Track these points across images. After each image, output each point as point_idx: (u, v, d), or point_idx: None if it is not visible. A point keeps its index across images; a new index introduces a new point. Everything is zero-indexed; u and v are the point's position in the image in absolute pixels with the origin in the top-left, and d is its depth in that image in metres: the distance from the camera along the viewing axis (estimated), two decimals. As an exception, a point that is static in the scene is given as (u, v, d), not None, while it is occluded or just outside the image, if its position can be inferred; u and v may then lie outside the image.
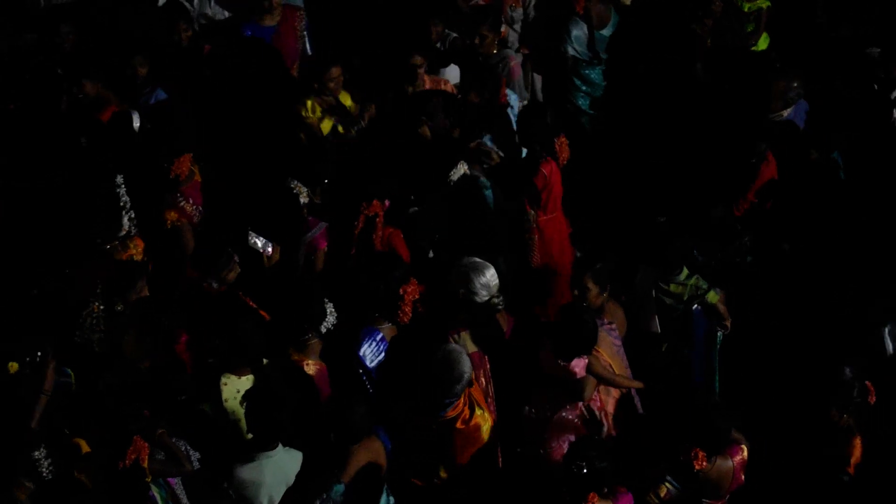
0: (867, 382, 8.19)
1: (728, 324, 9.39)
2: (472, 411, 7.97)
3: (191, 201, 9.71)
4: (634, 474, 8.08)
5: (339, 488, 7.74)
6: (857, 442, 8.19)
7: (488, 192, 10.14)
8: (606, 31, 12.08)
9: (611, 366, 8.65)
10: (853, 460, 8.16)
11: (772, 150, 10.49)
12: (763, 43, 12.15)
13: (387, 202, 9.60)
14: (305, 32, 11.66)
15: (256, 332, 8.17)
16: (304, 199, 9.72)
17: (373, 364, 8.48)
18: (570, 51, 11.97)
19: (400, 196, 10.07)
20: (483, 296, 8.59)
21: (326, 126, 10.58)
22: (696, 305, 9.34)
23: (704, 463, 7.83)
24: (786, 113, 10.99)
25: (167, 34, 11.32)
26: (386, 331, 8.59)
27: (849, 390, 8.17)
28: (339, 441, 7.83)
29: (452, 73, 11.55)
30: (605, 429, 8.54)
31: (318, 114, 10.51)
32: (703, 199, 10.35)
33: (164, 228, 9.62)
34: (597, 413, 8.55)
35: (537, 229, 10.09)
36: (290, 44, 11.54)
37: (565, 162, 10.00)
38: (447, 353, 7.90)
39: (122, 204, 9.69)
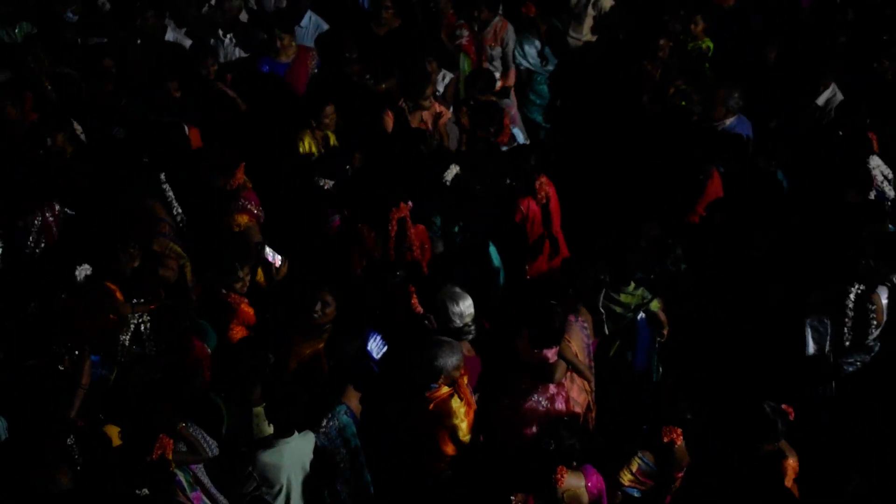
0: (783, 406, 8.23)
1: (665, 332, 9.80)
2: (450, 399, 8.46)
3: (253, 203, 10.17)
4: (603, 454, 8.49)
5: (342, 407, 8.46)
6: (790, 463, 8.24)
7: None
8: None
9: (577, 356, 9.05)
10: (789, 480, 8.24)
11: (717, 165, 10.92)
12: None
13: (410, 203, 10.08)
14: (316, 70, 12.53)
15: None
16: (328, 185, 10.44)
17: (379, 356, 8.94)
18: (524, 63, 12.75)
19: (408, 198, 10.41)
20: (456, 323, 9.04)
21: None
22: (641, 314, 9.76)
23: (680, 440, 8.25)
24: (728, 121, 11.53)
25: (196, 67, 12.13)
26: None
27: (773, 426, 8.22)
28: (335, 383, 8.51)
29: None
30: (570, 411, 8.87)
31: (314, 150, 11.06)
32: (644, 217, 10.68)
33: (231, 231, 9.98)
34: (562, 398, 8.89)
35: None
36: (301, 79, 12.40)
37: (544, 200, 10.41)
38: (440, 343, 8.49)
39: (168, 199, 10.31)
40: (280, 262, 9.78)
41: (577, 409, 8.97)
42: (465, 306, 9.03)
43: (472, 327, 9.09)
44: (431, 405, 8.46)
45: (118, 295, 9.08)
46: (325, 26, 13.18)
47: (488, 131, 11.07)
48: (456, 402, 8.48)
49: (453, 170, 10.66)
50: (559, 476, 8.00)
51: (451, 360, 8.39)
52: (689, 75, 12.29)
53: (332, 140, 11.30)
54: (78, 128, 11.09)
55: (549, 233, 10.59)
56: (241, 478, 8.28)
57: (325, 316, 9.09)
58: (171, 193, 10.38)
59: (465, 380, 8.63)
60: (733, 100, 11.55)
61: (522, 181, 10.41)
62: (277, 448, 8.22)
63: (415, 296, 9.17)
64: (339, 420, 8.50)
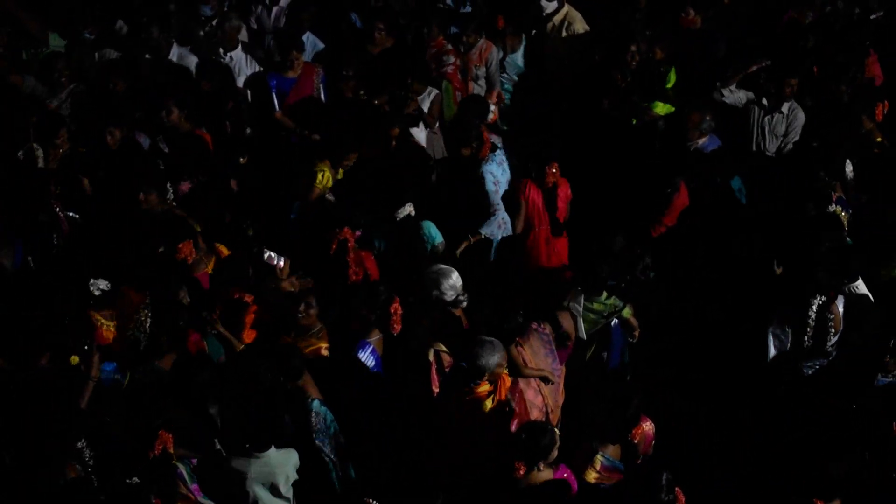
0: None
1: (637, 334, 10.14)
2: (485, 397, 8.68)
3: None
4: (571, 451, 8.60)
5: (315, 402, 8.61)
6: None
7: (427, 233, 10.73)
8: (518, 57, 13.45)
9: (529, 362, 9.22)
10: None
11: (685, 179, 11.14)
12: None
13: (357, 232, 10.26)
14: (321, 85, 12.76)
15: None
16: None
17: (374, 367, 9.23)
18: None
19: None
20: (451, 295, 9.44)
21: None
22: (614, 320, 10.07)
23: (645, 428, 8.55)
24: (701, 141, 11.69)
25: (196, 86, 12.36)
26: (376, 342, 9.28)
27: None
28: (288, 381, 8.57)
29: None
30: (517, 411, 8.98)
31: (329, 184, 11.08)
32: (612, 229, 10.74)
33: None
34: (514, 397, 9.03)
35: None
36: (307, 93, 12.66)
37: (549, 185, 10.72)
38: (488, 342, 8.67)
39: (169, 199, 10.71)
40: (282, 263, 9.82)
41: (535, 411, 9.14)
42: (455, 278, 9.44)
43: (465, 295, 9.48)
44: (467, 397, 8.71)
45: (132, 295, 9.36)
46: (321, 45, 13.42)
47: (471, 147, 11.15)
48: (488, 405, 8.73)
49: (407, 208, 10.82)
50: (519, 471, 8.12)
51: (493, 359, 8.61)
52: (645, 93, 12.49)
53: (340, 175, 11.38)
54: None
55: (552, 218, 10.88)
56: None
57: (309, 317, 9.29)
58: (171, 194, 10.85)
59: (508, 381, 8.88)
60: (706, 123, 11.77)
61: (534, 165, 10.83)
62: (247, 459, 8.26)
63: (397, 315, 9.31)
64: (321, 413, 8.67)
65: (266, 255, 9.74)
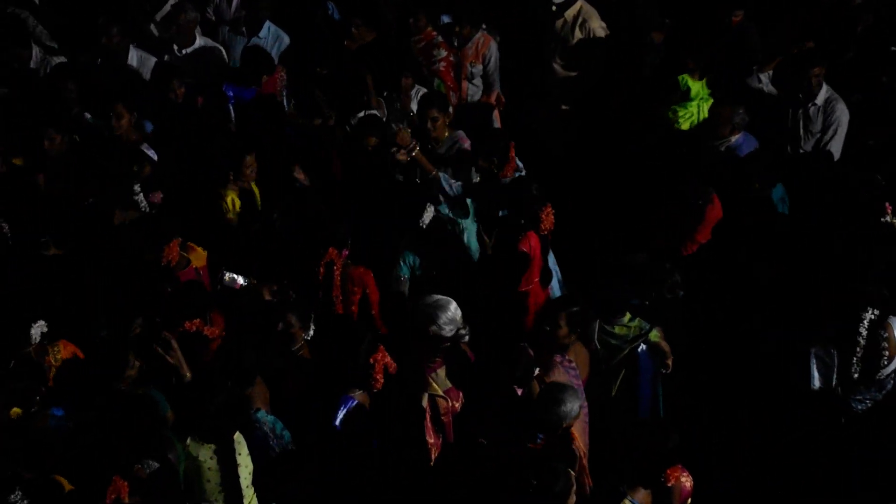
0: None
1: (670, 362, 9.43)
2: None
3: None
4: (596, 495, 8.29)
5: (261, 413, 8.33)
6: None
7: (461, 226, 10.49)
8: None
9: None
10: None
11: (716, 187, 10.51)
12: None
13: (345, 251, 9.80)
14: (285, 91, 12.07)
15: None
16: None
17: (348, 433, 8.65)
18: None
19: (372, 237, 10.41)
20: (450, 330, 8.73)
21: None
22: (641, 346, 9.42)
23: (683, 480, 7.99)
24: (734, 139, 11.12)
25: (162, 92, 11.65)
26: (359, 395, 8.64)
27: None
28: (237, 388, 8.25)
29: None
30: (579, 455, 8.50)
31: (237, 209, 10.53)
32: (631, 243, 10.51)
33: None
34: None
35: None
36: (270, 100, 11.79)
37: (546, 231, 10.00)
38: (552, 389, 8.24)
39: (142, 207, 10.39)
40: (245, 283, 9.61)
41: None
42: (454, 309, 8.82)
43: (467, 328, 8.89)
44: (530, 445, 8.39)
45: None
46: (286, 38, 12.72)
47: (492, 161, 10.43)
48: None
49: (430, 211, 10.39)
50: None
51: (575, 407, 8.21)
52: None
53: (256, 191, 10.79)
54: None
55: (545, 263, 10.24)
56: None
57: (291, 336, 9.00)
58: (145, 203, 10.47)
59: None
60: (738, 116, 11.09)
61: (526, 213, 9.96)
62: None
63: (378, 366, 8.66)
64: (267, 422, 8.40)
65: (226, 277, 9.60)
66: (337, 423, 8.49)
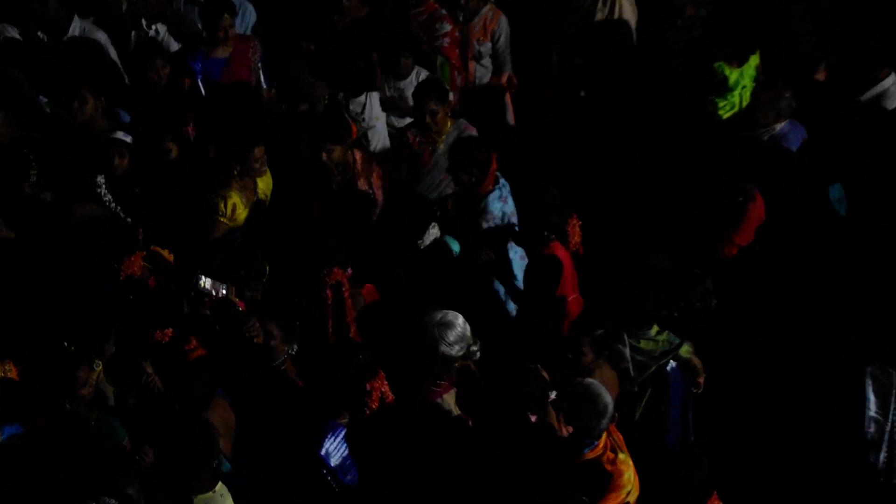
0: None
1: (701, 381, 9.06)
2: (616, 454, 7.82)
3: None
4: None
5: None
6: None
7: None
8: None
9: None
10: None
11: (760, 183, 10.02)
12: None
13: (349, 270, 9.29)
14: (260, 64, 11.24)
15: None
16: None
17: (336, 463, 8.22)
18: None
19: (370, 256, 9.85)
20: (460, 349, 8.26)
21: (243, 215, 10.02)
22: (670, 362, 8.95)
23: None
24: (778, 126, 10.44)
25: (143, 72, 10.85)
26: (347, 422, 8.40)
27: None
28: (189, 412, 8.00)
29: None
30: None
31: (236, 215, 9.91)
32: (653, 245, 9.88)
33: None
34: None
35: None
36: (242, 77, 11.08)
37: (576, 246, 9.56)
38: (587, 388, 7.75)
39: (106, 202, 9.77)
40: (224, 291, 8.99)
41: None
42: (461, 325, 8.33)
43: (478, 344, 8.43)
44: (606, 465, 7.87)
45: None
46: (251, 8, 11.93)
47: (473, 173, 9.85)
48: (622, 459, 7.89)
49: (433, 232, 9.93)
50: None
51: (611, 404, 7.81)
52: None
53: (263, 188, 10.17)
54: None
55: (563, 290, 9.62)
56: None
57: (273, 349, 8.68)
58: (109, 197, 9.89)
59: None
60: (784, 101, 10.35)
61: (550, 225, 9.44)
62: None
63: (375, 392, 8.34)
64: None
65: (201, 283, 8.95)
66: (322, 452, 8.18)
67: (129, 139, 9.95)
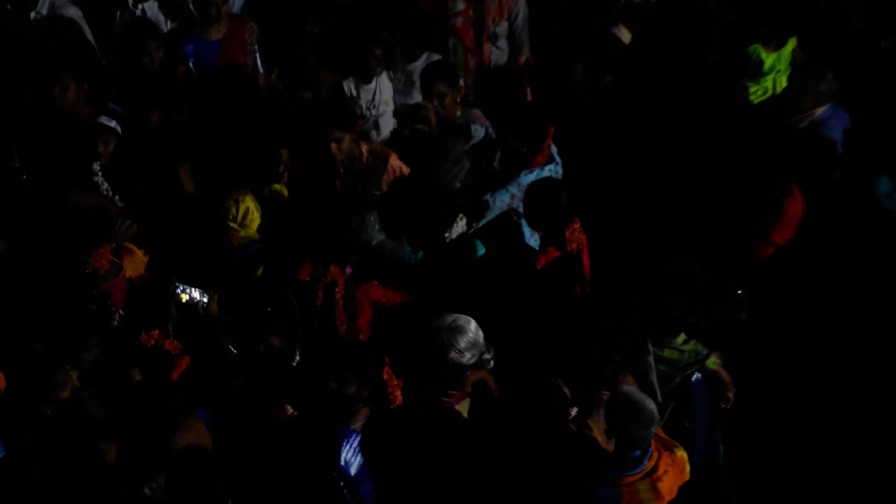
0: None
1: (731, 395, 8.56)
2: (671, 450, 7.55)
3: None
4: None
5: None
6: None
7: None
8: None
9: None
10: None
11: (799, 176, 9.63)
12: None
13: (348, 269, 8.99)
14: (256, 46, 10.86)
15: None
16: None
17: (355, 473, 7.83)
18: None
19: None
20: (471, 356, 7.79)
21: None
22: (696, 374, 8.47)
23: None
24: (818, 111, 10.05)
25: (135, 55, 10.56)
26: (360, 426, 7.95)
27: None
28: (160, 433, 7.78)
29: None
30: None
31: (249, 222, 9.53)
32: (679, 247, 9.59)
33: None
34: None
35: None
36: (238, 60, 10.76)
37: (575, 252, 9.09)
38: (626, 397, 7.45)
39: (104, 190, 9.66)
40: (206, 299, 8.79)
41: None
42: (474, 331, 7.88)
43: (491, 351, 7.95)
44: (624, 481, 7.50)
45: None
46: None
47: (525, 144, 9.52)
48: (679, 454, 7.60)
49: (460, 223, 9.56)
50: None
51: (652, 405, 7.43)
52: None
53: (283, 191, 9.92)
54: None
55: (582, 291, 9.27)
56: None
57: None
58: (106, 185, 9.71)
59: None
60: (825, 83, 10.00)
61: (549, 226, 9.10)
62: None
63: (392, 381, 7.95)
64: None
65: (178, 291, 8.71)
66: (342, 462, 7.73)
67: (112, 124, 9.77)
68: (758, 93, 10.89)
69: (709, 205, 9.77)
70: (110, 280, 8.78)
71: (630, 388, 7.60)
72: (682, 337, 8.36)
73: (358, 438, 7.76)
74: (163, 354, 8.31)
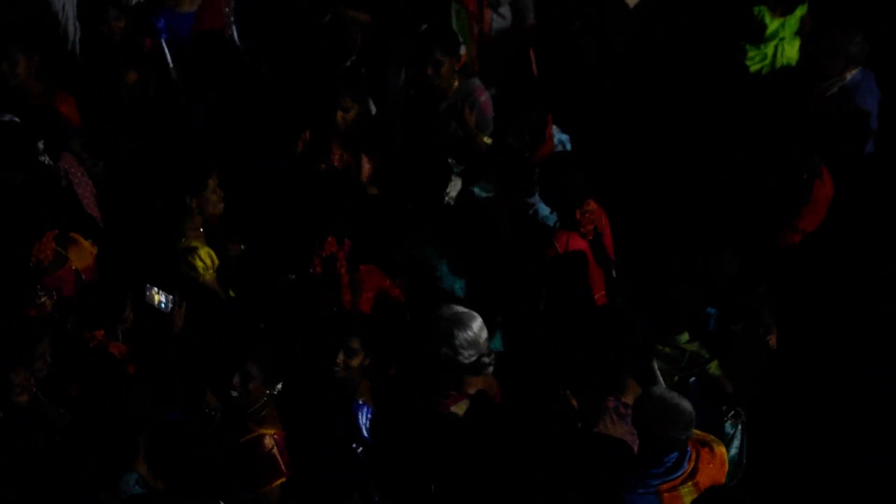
0: None
1: (742, 415, 8.15)
2: (709, 447, 7.25)
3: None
4: None
5: (132, 476, 7.30)
6: None
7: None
8: None
9: None
10: None
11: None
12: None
13: (346, 242, 8.60)
14: (233, 17, 10.49)
15: None
16: None
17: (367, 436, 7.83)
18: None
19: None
20: (469, 355, 7.41)
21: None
22: (692, 378, 8.07)
23: None
24: (849, 75, 9.59)
25: (95, 24, 10.30)
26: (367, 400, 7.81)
27: None
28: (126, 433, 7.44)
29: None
30: None
31: (216, 262, 8.89)
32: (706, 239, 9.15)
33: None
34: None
35: None
36: (215, 31, 10.41)
37: (591, 236, 8.70)
38: (661, 401, 7.05)
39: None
40: (170, 305, 8.26)
41: None
42: (477, 328, 7.50)
43: (492, 356, 7.59)
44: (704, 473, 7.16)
45: None
46: None
47: (523, 139, 9.14)
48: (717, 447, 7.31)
49: (456, 184, 9.45)
50: None
51: (688, 407, 7.15)
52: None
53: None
54: None
55: (608, 277, 8.99)
56: None
57: (249, 392, 7.66)
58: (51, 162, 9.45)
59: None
60: (855, 45, 9.54)
61: (561, 207, 8.73)
62: None
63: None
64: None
65: (149, 293, 8.17)
66: (365, 434, 7.64)
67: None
68: (756, 59, 10.58)
69: (762, 187, 9.41)
70: (55, 272, 8.38)
71: (662, 388, 7.30)
72: (685, 336, 7.98)
73: (367, 408, 7.63)
74: (106, 358, 7.96)
